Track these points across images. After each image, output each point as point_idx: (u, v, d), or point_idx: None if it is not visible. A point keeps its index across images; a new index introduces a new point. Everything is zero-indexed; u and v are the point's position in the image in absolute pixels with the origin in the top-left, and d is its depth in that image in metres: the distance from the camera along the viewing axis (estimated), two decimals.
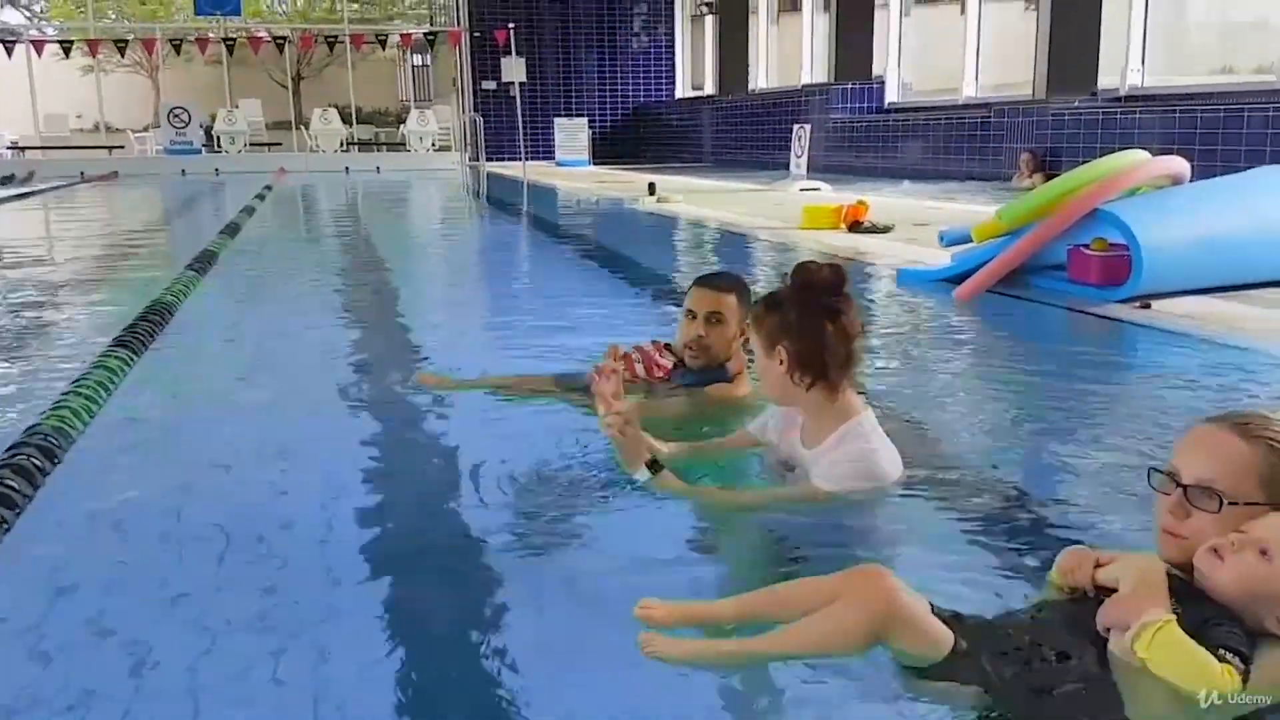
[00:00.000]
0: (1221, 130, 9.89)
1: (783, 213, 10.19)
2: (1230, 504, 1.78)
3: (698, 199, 12.58)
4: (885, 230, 8.52)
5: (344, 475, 2.89)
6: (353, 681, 1.81)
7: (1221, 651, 1.62)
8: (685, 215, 10.93)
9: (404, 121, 26.72)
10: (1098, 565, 1.87)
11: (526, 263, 8.93)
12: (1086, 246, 5.34)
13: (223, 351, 4.88)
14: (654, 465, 2.55)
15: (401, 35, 27.20)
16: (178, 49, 25.23)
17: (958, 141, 14.45)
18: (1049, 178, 9.99)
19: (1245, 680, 1.61)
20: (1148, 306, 4.96)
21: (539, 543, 2.39)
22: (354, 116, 26.67)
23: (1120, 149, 6.39)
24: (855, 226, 8.62)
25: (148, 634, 1.99)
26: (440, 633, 2.03)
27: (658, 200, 12.13)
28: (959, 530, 2.43)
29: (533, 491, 2.67)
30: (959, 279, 5.68)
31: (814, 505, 2.48)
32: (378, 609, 2.07)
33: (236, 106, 25.18)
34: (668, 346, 3.46)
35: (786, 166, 14.92)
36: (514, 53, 19.90)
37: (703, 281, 3.37)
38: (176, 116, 23.14)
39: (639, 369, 3.44)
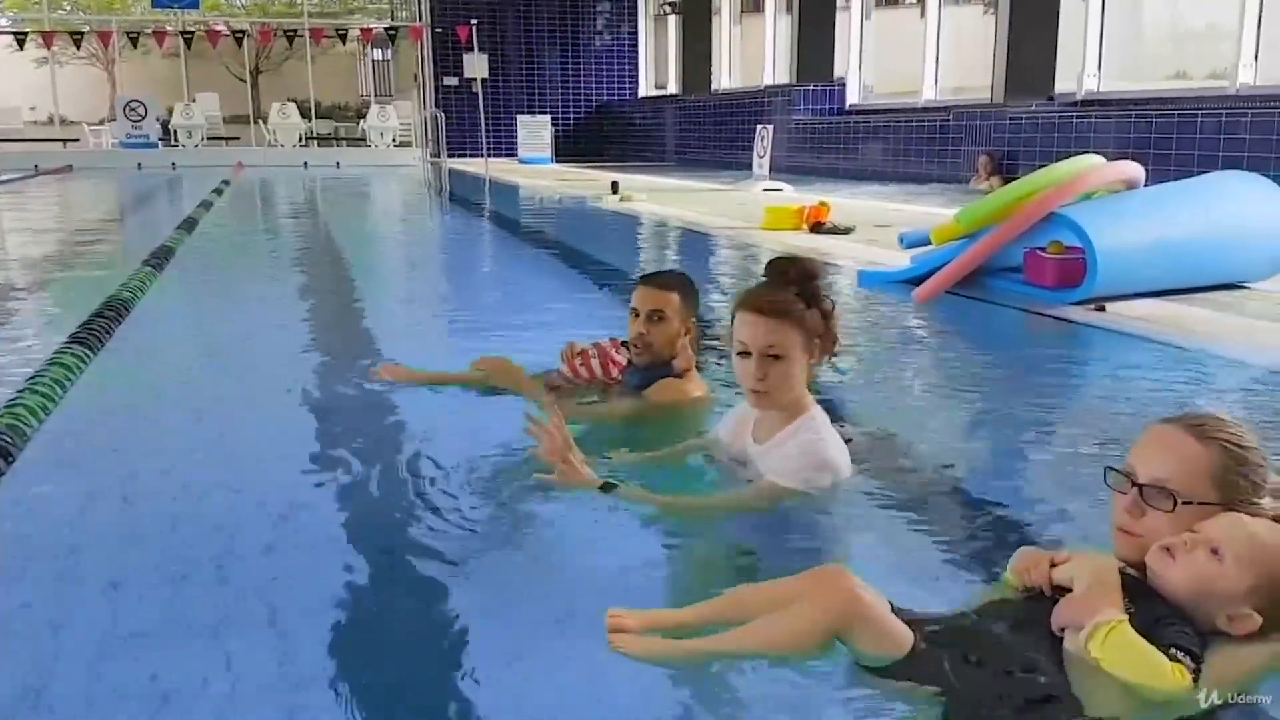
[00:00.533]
0: (1175, 135, 10.05)
1: (745, 213, 10.23)
2: (1184, 503, 1.82)
3: (660, 198, 12.59)
4: (846, 231, 8.58)
5: (303, 471, 2.86)
6: (313, 685, 1.80)
7: (1173, 651, 1.65)
8: (648, 214, 10.94)
9: (364, 117, 26.50)
10: (1053, 565, 1.90)
11: (488, 260, 8.89)
12: (1042, 249, 5.41)
13: (181, 348, 4.82)
14: (606, 487, 2.53)
15: (362, 30, 27.04)
16: (134, 42, 24.83)
17: (917, 144, 14.57)
18: (1006, 180, 10.10)
19: (1196, 679, 1.64)
20: (1102, 309, 5.03)
21: (501, 539, 2.38)
22: (313, 111, 26.41)
23: (1076, 153, 6.47)
24: (817, 227, 8.67)
25: (102, 631, 1.96)
26: (404, 632, 2.02)
27: (620, 199, 12.12)
28: (916, 530, 2.45)
29: (494, 487, 2.66)
30: (918, 280, 5.72)
31: (772, 505, 2.49)
32: (338, 607, 2.06)
33: (194, 100, 24.86)
34: (625, 344, 3.48)
35: (749, 166, 14.95)
36: (476, 49, 19.82)
37: (646, 280, 3.39)
38: (133, 110, 22.80)
39: (595, 366, 3.46)
